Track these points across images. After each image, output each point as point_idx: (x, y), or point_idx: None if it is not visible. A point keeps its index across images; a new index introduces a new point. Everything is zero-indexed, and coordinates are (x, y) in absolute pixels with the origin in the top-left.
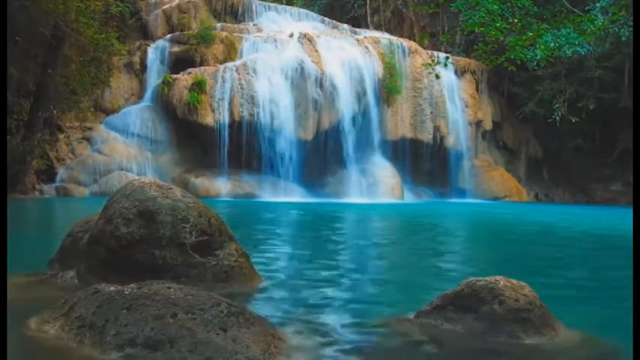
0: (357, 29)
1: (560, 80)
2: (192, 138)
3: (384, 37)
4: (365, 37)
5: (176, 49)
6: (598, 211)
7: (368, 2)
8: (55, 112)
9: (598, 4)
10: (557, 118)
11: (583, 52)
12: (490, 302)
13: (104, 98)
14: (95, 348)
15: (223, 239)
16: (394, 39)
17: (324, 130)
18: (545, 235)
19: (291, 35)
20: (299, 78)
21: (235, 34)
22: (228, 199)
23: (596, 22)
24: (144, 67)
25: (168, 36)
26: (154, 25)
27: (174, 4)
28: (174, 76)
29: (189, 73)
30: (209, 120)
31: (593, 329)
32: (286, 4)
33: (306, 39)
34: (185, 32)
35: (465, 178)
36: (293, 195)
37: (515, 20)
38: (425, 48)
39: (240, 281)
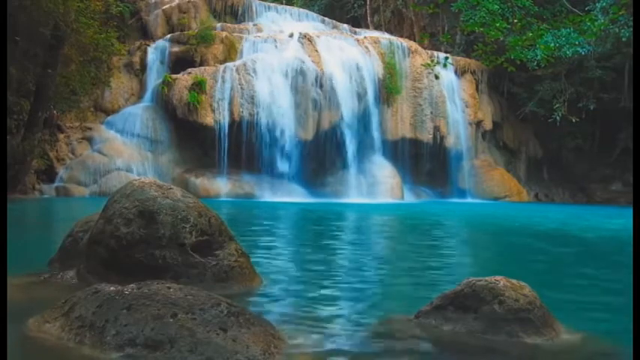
0: (357, 29)
1: (560, 80)
2: (192, 138)
3: (384, 37)
4: (365, 37)
5: (176, 49)
6: (598, 211)
7: (368, 2)
8: (55, 112)
9: (598, 4)
10: (557, 118)
11: (583, 52)
12: (490, 302)
13: (104, 98)
14: (95, 348)
15: (223, 239)
16: (394, 39)
17: (324, 130)
18: (545, 234)
19: (291, 35)
20: (299, 78)
21: (235, 34)
22: (228, 199)
23: (596, 22)
24: (144, 67)
25: (168, 36)
26: (154, 25)
27: (174, 4)
28: (174, 76)
29: (189, 73)
30: (209, 120)
31: (593, 329)
32: (286, 4)
33: (306, 39)
34: (185, 32)
35: (464, 178)
36: (293, 195)
37: (516, 20)
38: (425, 48)
39: (240, 281)
